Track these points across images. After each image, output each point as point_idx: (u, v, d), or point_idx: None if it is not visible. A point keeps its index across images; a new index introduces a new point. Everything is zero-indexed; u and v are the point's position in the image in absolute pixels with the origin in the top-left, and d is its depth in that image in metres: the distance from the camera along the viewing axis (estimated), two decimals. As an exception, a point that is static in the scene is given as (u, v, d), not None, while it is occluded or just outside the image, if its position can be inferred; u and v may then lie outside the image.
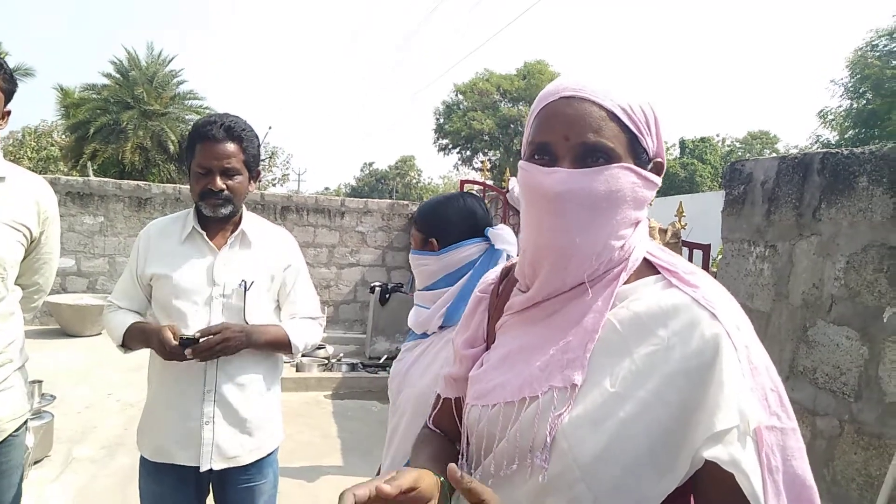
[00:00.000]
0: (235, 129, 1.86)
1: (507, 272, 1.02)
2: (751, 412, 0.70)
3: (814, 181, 2.08)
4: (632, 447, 0.72)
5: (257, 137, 1.97)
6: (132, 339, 1.89)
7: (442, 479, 0.81)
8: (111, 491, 3.66)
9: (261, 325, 1.91)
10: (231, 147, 1.85)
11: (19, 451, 1.80)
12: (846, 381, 1.89)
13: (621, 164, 0.79)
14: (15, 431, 1.76)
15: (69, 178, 9.04)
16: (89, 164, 18.53)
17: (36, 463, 3.87)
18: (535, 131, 0.84)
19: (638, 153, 0.82)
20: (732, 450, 0.69)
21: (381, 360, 6.86)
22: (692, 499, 0.78)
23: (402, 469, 0.76)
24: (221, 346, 1.77)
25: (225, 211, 1.87)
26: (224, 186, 1.84)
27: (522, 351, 0.86)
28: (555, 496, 0.75)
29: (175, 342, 1.75)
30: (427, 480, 0.75)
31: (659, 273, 0.83)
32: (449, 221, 1.51)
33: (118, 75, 20.55)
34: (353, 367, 6.72)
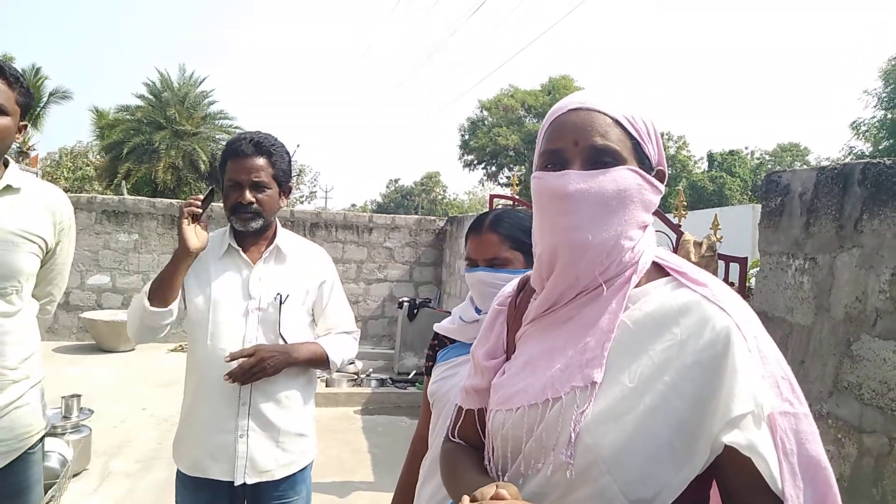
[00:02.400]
0: (264, 144, 1.90)
1: (524, 285, 1.05)
2: (764, 398, 0.74)
3: (854, 192, 2.04)
4: (652, 438, 0.76)
5: (287, 153, 2.00)
6: (157, 279, 1.86)
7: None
8: (146, 504, 3.70)
9: (298, 342, 1.93)
10: (260, 161, 1.89)
11: (38, 468, 1.79)
12: (894, 398, 1.84)
13: (628, 166, 0.85)
14: (31, 448, 1.74)
15: (105, 196, 9.27)
16: (123, 183, 19.00)
17: (75, 476, 3.93)
18: (546, 141, 0.90)
19: (641, 159, 0.87)
20: (749, 434, 0.72)
21: (410, 376, 6.85)
22: (714, 486, 0.82)
23: (483, 488, 0.80)
24: (258, 368, 1.80)
25: (255, 224, 1.90)
26: (253, 200, 1.87)
27: (543, 356, 0.89)
28: (582, 489, 0.78)
29: (197, 209, 1.85)
30: (510, 488, 0.80)
31: (668, 275, 0.87)
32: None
33: (151, 96, 21.09)
34: (382, 382, 6.74)
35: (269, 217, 1.93)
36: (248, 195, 1.87)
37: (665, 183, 0.92)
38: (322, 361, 1.96)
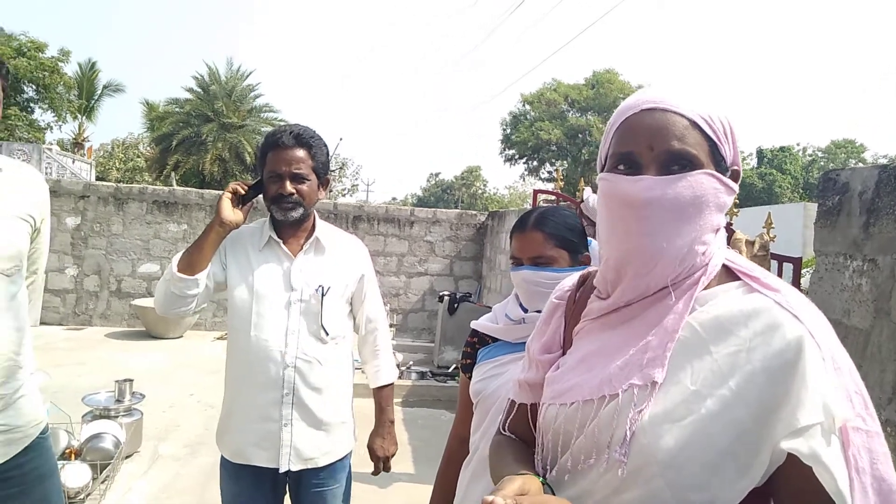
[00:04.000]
0: (304, 136, 1.93)
1: (584, 280, 1.03)
2: (836, 409, 0.71)
3: (920, 192, 1.96)
4: (712, 444, 0.73)
5: (326, 146, 2.03)
6: (188, 248, 1.91)
7: (542, 479, 0.84)
8: (192, 488, 3.81)
9: (381, 404, 2.16)
10: (300, 153, 1.92)
11: (52, 454, 1.80)
12: (958, 406, 1.76)
13: (705, 171, 0.81)
14: (42, 433, 1.74)
15: (155, 187, 9.55)
16: (172, 174, 19.51)
17: (127, 457, 4.07)
18: (617, 143, 0.86)
19: (718, 161, 0.84)
20: (814, 444, 0.69)
21: (450, 370, 6.87)
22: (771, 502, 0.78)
23: (504, 479, 0.78)
24: (388, 461, 2.16)
25: (295, 214, 1.92)
26: (293, 191, 1.90)
27: (601, 353, 0.87)
28: (632, 491, 0.77)
29: (242, 190, 1.94)
30: (532, 484, 0.78)
31: (738, 279, 0.84)
32: (583, 236, 1.48)
33: (199, 90, 21.61)
34: (422, 375, 6.77)
35: (308, 207, 1.96)
36: (289, 186, 1.90)
37: (738, 181, 0.89)
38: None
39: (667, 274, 0.82)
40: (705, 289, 0.83)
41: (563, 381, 0.90)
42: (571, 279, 1.06)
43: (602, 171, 0.89)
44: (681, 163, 0.81)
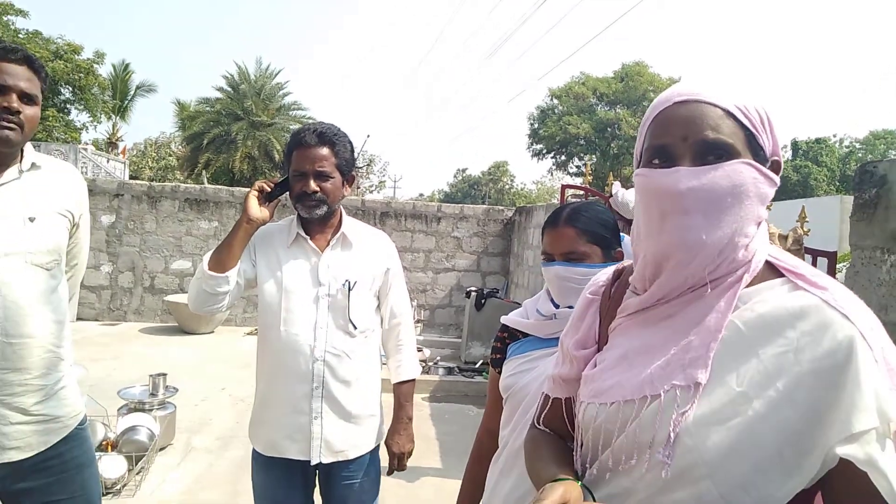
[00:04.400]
0: (327, 135, 1.95)
1: (619, 275, 1.02)
2: (893, 412, 0.69)
3: (962, 183, 1.89)
4: (760, 446, 0.73)
5: (350, 143, 2.05)
6: (218, 246, 1.95)
7: (581, 482, 0.84)
8: (224, 481, 3.88)
9: (401, 400, 2.14)
10: (323, 151, 1.94)
11: (90, 444, 1.86)
12: None
13: (742, 160, 0.80)
14: (80, 424, 1.80)
15: (187, 185, 9.71)
16: (203, 172, 19.84)
17: (161, 450, 4.16)
18: (652, 137, 0.85)
19: (755, 150, 0.82)
20: (870, 449, 0.68)
21: (477, 365, 6.87)
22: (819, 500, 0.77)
23: (546, 487, 0.79)
24: (408, 456, 2.13)
25: (319, 212, 1.95)
26: (318, 189, 1.92)
27: (641, 351, 0.86)
28: (678, 491, 0.76)
29: (268, 188, 1.96)
30: (573, 491, 0.78)
31: (783, 276, 0.82)
32: (616, 232, 1.47)
33: (229, 89, 21.91)
34: (449, 370, 6.79)
35: (332, 205, 1.97)
36: (313, 184, 1.92)
37: (780, 174, 0.86)
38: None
39: (704, 266, 0.80)
40: (748, 286, 0.81)
41: (602, 379, 0.90)
42: (605, 274, 1.05)
43: (638, 167, 0.88)
44: (716, 153, 0.80)
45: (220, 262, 1.89)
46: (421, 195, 54.45)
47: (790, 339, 0.75)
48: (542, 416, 1.06)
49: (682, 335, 0.82)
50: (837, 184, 32.14)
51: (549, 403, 1.04)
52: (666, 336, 0.84)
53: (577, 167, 29.82)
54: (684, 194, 0.79)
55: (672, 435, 0.76)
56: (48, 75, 1.78)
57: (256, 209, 1.93)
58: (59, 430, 1.72)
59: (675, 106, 0.83)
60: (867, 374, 0.70)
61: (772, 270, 0.83)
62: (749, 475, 0.73)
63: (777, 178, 0.84)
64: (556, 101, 30.36)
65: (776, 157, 0.86)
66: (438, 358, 7.27)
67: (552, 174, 35.40)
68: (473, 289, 7.61)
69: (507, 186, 48.25)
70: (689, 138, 0.81)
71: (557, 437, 1.02)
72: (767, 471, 0.72)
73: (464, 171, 55.61)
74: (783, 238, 2.76)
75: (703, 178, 0.78)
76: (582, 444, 0.91)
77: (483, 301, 7.28)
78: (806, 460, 0.72)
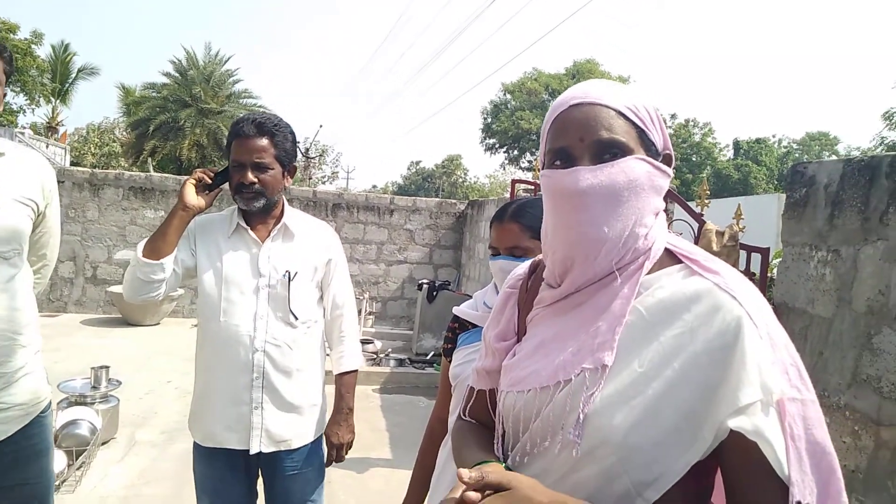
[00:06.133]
0: (267, 125, 1.93)
1: (535, 268, 1.07)
2: (774, 384, 0.75)
3: (881, 185, 2.02)
4: (659, 423, 0.77)
5: (292, 134, 2.03)
6: (153, 234, 1.91)
7: (504, 464, 0.89)
8: (169, 475, 3.81)
9: (342, 391, 2.14)
10: (262, 142, 1.92)
11: (50, 432, 1.85)
12: (913, 391, 1.84)
13: (636, 156, 0.85)
14: (43, 412, 1.79)
15: (132, 173, 9.42)
16: (149, 160, 19.22)
17: (103, 444, 4.06)
18: (552, 140, 0.90)
19: (648, 146, 0.88)
20: (756, 420, 0.74)
21: (428, 357, 6.92)
22: (718, 473, 0.82)
23: (479, 469, 0.81)
24: (347, 448, 2.16)
25: (257, 204, 1.94)
26: (255, 180, 1.91)
27: (555, 339, 0.91)
28: (588, 469, 0.81)
29: (207, 178, 1.95)
30: (496, 469, 0.81)
31: (680, 262, 0.87)
32: None
33: (177, 74, 21.23)
34: (400, 362, 6.81)
35: (271, 197, 1.96)
36: (250, 175, 1.91)
37: (672, 166, 0.92)
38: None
39: (611, 258, 0.85)
40: (649, 273, 0.87)
41: (520, 368, 0.94)
42: (522, 268, 1.10)
43: (542, 169, 0.92)
44: (612, 151, 0.85)
45: (155, 249, 1.87)
46: (374, 187, 54.08)
47: (686, 321, 0.81)
48: (468, 407, 1.09)
49: (592, 321, 0.86)
50: (776, 182, 33.39)
51: (474, 395, 1.08)
52: (578, 323, 0.88)
53: (529, 162, 30.14)
54: (585, 192, 0.83)
55: (581, 415, 0.81)
56: (12, 56, 1.73)
57: (193, 197, 1.91)
58: (20, 419, 1.70)
59: (571, 109, 0.88)
60: (752, 350, 0.76)
61: (671, 257, 0.89)
62: (651, 451, 0.77)
63: (670, 171, 0.90)
64: (508, 97, 30.60)
65: (668, 151, 0.92)
66: (390, 350, 7.28)
67: (504, 168, 35.67)
68: (425, 281, 7.65)
69: (460, 180, 48.39)
70: (585, 139, 0.85)
71: (483, 427, 1.05)
72: (667, 446, 0.77)
73: (418, 163, 55.51)
74: (720, 234, 2.88)
75: (601, 175, 0.84)
76: (504, 432, 0.95)
77: (435, 293, 7.33)
78: (700, 434, 0.77)
